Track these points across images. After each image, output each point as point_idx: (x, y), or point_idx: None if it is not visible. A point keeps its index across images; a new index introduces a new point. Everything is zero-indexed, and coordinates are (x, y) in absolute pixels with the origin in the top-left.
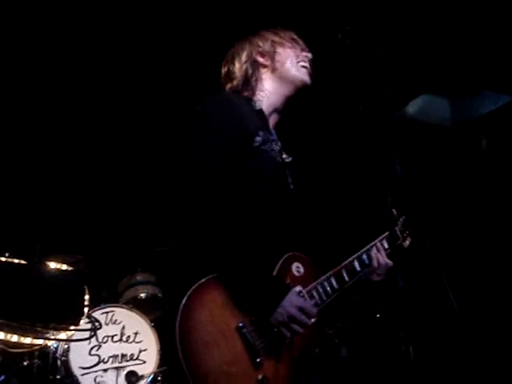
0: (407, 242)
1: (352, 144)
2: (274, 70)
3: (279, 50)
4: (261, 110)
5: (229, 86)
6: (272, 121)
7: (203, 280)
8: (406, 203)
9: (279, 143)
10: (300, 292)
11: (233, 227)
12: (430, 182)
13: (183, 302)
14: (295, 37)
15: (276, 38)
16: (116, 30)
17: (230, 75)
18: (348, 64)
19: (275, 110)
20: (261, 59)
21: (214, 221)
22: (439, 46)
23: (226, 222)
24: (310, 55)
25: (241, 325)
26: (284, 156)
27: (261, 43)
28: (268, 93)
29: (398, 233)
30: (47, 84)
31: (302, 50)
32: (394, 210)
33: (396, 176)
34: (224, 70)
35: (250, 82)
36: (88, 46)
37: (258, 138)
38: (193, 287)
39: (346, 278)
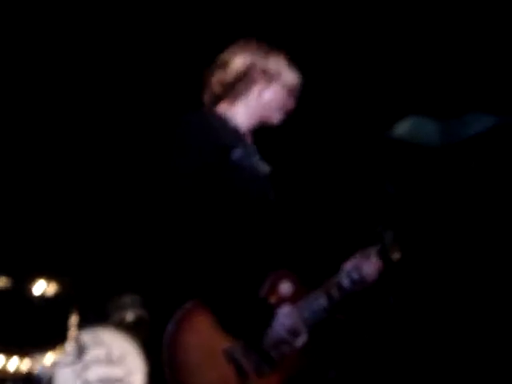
0: (396, 256)
1: (343, 160)
2: (260, 94)
3: (278, 84)
4: (236, 127)
5: (219, 74)
6: (248, 136)
7: (190, 303)
8: (397, 221)
9: (258, 155)
10: (289, 311)
11: (214, 248)
12: (421, 203)
13: (170, 325)
14: (298, 84)
15: (285, 73)
16: (116, 29)
17: (226, 64)
18: (336, 83)
19: (247, 129)
20: (259, 76)
21: (195, 245)
22: (427, 66)
23: (207, 244)
24: (292, 106)
25: (229, 347)
26: (262, 166)
27: (272, 64)
28: (244, 110)
29: (388, 247)
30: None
31: (293, 100)
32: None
33: (388, 195)
34: (225, 55)
35: (235, 87)
36: (88, 46)
37: (238, 152)
38: (179, 311)
39: (336, 295)
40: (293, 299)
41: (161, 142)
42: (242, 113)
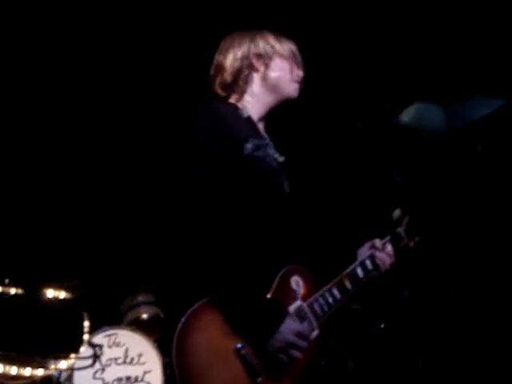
0: (413, 243)
1: (350, 153)
2: (265, 77)
3: (277, 58)
4: (249, 118)
5: (218, 79)
6: (262, 126)
7: (200, 303)
8: (406, 211)
9: (272, 145)
10: (299, 308)
11: (224, 248)
12: (428, 189)
13: (179, 326)
14: (295, 50)
15: (277, 46)
16: (116, 30)
17: (220, 68)
18: (341, 73)
19: (260, 118)
20: (256, 63)
21: (205, 242)
22: (430, 52)
23: (218, 242)
24: (301, 74)
25: (239, 346)
26: (277, 156)
27: (261, 44)
28: (253, 99)
29: (403, 233)
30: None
31: (298, 66)
32: (398, 210)
33: (396, 186)
34: (217, 59)
35: (238, 83)
36: (88, 46)
37: (249, 145)
38: (189, 310)
39: (349, 287)
40: (305, 293)
41: (172, 136)
42: (252, 103)
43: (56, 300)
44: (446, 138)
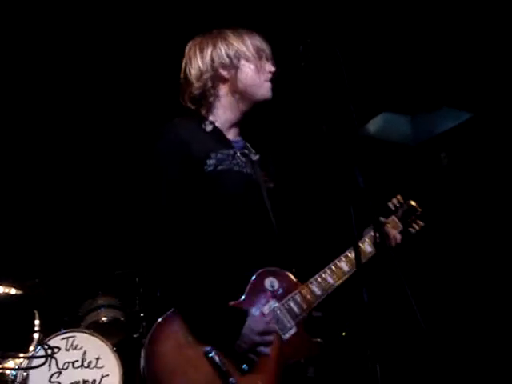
0: (416, 227)
1: (315, 156)
2: (234, 87)
3: (243, 62)
4: (214, 129)
5: (187, 93)
6: (233, 132)
7: (169, 311)
8: (368, 215)
9: (247, 147)
10: (273, 308)
11: (186, 259)
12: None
13: (148, 336)
14: (260, 44)
15: (242, 47)
16: (115, 30)
17: (187, 82)
18: (309, 77)
19: (233, 124)
20: (223, 72)
21: (167, 254)
22: (399, 63)
23: (179, 254)
24: (273, 68)
25: (208, 349)
26: (251, 156)
27: (224, 52)
28: (224, 109)
29: (397, 221)
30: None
31: (267, 61)
32: (397, 198)
33: (358, 188)
34: (184, 71)
35: (207, 97)
36: (87, 46)
37: (211, 161)
38: (158, 320)
39: (331, 281)
40: (280, 293)
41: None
42: (223, 112)
43: (6, 296)
44: (412, 149)
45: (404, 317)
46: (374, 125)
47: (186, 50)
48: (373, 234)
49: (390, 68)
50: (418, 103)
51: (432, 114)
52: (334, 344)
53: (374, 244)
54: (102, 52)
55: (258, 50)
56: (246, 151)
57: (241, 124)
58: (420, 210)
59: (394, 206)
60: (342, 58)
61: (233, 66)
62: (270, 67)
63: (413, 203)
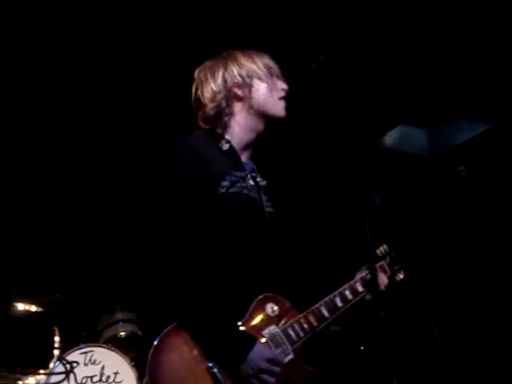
0: (400, 276)
1: (330, 174)
2: (249, 105)
3: (256, 81)
4: (230, 149)
5: (200, 114)
6: (246, 154)
7: (175, 323)
8: (385, 233)
9: (254, 170)
10: (273, 333)
11: (197, 280)
12: (410, 213)
13: (153, 345)
14: (270, 63)
15: (253, 67)
16: (115, 30)
17: (201, 103)
18: (323, 94)
19: (247, 145)
20: (237, 91)
21: (179, 274)
22: (415, 75)
23: (191, 274)
24: (285, 86)
25: (211, 365)
26: (259, 180)
27: (236, 72)
28: (240, 128)
29: (386, 267)
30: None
31: (278, 78)
32: (383, 246)
33: (374, 206)
34: (195, 94)
35: (222, 117)
36: (87, 46)
37: (225, 183)
38: (164, 331)
39: (326, 315)
40: (280, 319)
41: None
42: (238, 132)
43: (27, 313)
44: (428, 161)
45: (421, 332)
46: (390, 138)
47: (196, 74)
48: (364, 275)
49: (406, 81)
50: (435, 115)
51: (449, 126)
52: (351, 358)
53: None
54: (116, 61)
55: (269, 69)
56: (255, 175)
57: (254, 146)
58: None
59: (382, 253)
60: (356, 73)
61: (246, 85)
62: (282, 85)
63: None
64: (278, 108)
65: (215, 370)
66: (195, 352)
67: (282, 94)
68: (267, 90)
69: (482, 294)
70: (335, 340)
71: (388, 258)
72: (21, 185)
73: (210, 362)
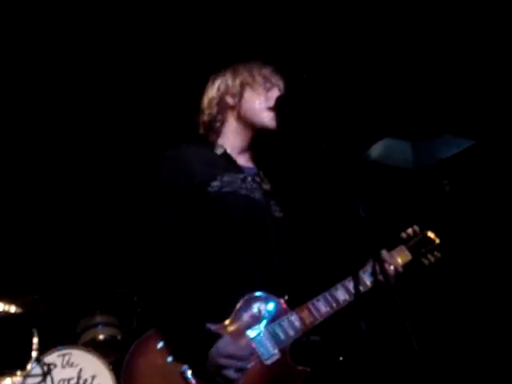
0: (431, 259)
1: (315, 184)
2: (239, 113)
3: (248, 91)
4: (224, 153)
5: (199, 120)
6: (243, 158)
7: (150, 331)
8: (368, 244)
9: (259, 175)
10: (258, 332)
11: (169, 280)
12: (394, 225)
13: (128, 352)
14: (269, 75)
15: (247, 77)
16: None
17: (200, 110)
18: (312, 104)
19: (242, 149)
20: (228, 99)
21: (147, 276)
22: (401, 90)
23: (160, 271)
24: (276, 94)
25: (183, 369)
26: (262, 183)
27: (231, 81)
28: (231, 135)
29: (407, 251)
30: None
31: (273, 89)
32: (414, 227)
33: (358, 217)
34: (200, 101)
35: (215, 123)
36: (88, 46)
37: (216, 183)
38: (140, 338)
39: (323, 310)
40: (268, 319)
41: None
42: (230, 138)
43: (6, 314)
44: (413, 175)
45: (400, 344)
46: (375, 150)
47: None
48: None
49: (393, 94)
50: (420, 130)
51: (433, 141)
52: (330, 368)
53: (373, 275)
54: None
55: (265, 80)
56: (258, 179)
57: (253, 151)
58: (437, 241)
59: (408, 235)
60: (345, 85)
61: (238, 94)
62: (274, 95)
63: (430, 234)
64: (266, 119)
65: (188, 373)
66: (169, 357)
67: (272, 103)
68: (256, 100)
69: (468, 305)
70: (315, 350)
71: (413, 241)
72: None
73: (183, 367)
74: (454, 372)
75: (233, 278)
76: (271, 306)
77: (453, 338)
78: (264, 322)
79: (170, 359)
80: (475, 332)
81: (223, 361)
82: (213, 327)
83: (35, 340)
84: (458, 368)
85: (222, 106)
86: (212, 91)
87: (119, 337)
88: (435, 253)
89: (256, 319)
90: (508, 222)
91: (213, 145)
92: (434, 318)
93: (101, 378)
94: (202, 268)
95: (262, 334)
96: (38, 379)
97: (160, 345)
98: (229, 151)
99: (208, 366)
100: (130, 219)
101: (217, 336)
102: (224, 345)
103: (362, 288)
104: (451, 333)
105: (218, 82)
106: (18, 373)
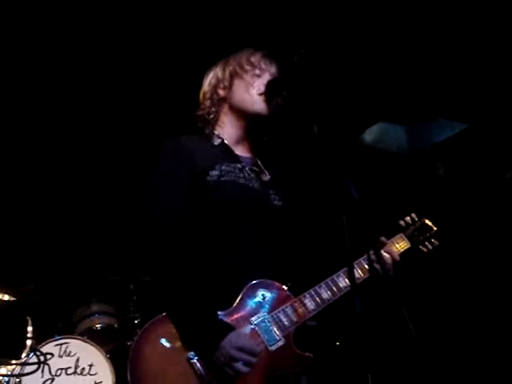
0: (429, 246)
1: (308, 166)
2: (231, 104)
3: (237, 81)
4: (222, 143)
5: (197, 114)
6: (241, 148)
7: (157, 317)
8: (362, 227)
9: (257, 164)
10: (262, 319)
11: (178, 264)
12: (388, 209)
13: (135, 338)
14: (257, 61)
15: (236, 67)
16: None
17: (198, 104)
18: (304, 87)
19: (239, 139)
20: (220, 91)
21: (159, 259)
22: (395, 73)
23: (171, 259)
24: (266, 80)
25: (191, 355)
26: (261, 173)
27: (221, 73)
28: (226, 126)
29: (406, 239)
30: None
31: (260, 75)
32: (412, 215)
33: (352, 199)
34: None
35: (210, 115)
36: (88, 46)
37: (214, 172)
38: (148, 323)
39: (325, 296)
40: (271, 306)
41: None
42: (226, 128)
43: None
44: (408, 158)
45: (397, 327)
46: (370, 134)
47: None
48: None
49: (387, 78)
50: (414, 114)
51: (427, 125)
52: (327, 353)
53: (369, 264)
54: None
55: (254, 67)
56: (256, 169)
57: (250, 141)
58: (435, 228)
59: (406, 223)
60: (338, 68)
61: (228, 85)
62: (263, 80)
63: (427, 222)
64: (256, 105)
65: (195, 359)
66: (177, 342)
67: (262, 89)
68: (245, 88)
69: (463, 290)
70: (311, 335)
71: (411, 228)
72: None
73: (190, 353)
74: (450, 359)
75: (236, 264)
76: (275, 292)
77: (451, 326)
78: (268, 309)
79: (177, 345)
80: (473, 321)
81: (235, 353)
82: (220, 315)
83: (29, 328)
84: (456, 355)
85: (215, 99)
86: (205, 85)
87: (116, 325)
88: (433, 240)
89: (260, 306)
90: (502, 205)
91: (210, 136)
92: (432, 306)
93: (98, 366)
94: (207, 255)
95: (266, 321)
96: (34, 368)
97: (168, 331)
98: (226, 142)
99: (218, 356)
100: (129, 207)
101: (229, 328)
102: (237, 337)
103: (362, 275)
104: (449, 321)
105: (210, 76)
106: (13, 361)
